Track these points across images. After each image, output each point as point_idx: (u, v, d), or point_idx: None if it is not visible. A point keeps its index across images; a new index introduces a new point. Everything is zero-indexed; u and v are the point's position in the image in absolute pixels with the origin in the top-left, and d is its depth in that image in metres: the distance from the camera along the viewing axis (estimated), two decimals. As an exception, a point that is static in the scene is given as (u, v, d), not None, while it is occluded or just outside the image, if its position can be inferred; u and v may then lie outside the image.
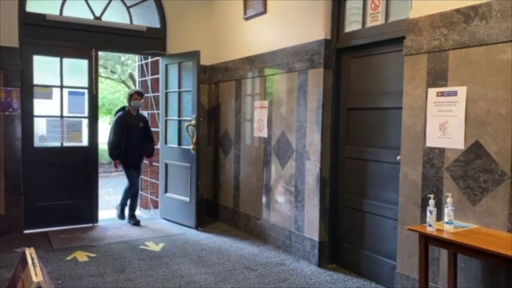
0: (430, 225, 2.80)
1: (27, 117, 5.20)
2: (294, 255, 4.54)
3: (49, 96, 5.41)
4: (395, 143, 3.58)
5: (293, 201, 4.59)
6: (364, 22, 3.99)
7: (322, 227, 4.28)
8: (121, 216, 5.91)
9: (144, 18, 5.98)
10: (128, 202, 5.91)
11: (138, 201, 6.29)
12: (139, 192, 7.27)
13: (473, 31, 2.91)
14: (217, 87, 6.12)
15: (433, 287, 3.13)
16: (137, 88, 6.01)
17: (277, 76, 4.85)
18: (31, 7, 5.25)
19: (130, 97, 5.67)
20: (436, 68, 3.15)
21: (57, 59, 5.40)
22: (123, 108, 5.82)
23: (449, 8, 3.05)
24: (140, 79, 7.34)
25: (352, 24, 4.13)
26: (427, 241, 2.83)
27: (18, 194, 5.12)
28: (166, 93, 6.06)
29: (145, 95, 7.13)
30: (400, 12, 3.64)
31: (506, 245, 2.46)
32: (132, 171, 5.72)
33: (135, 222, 5.74)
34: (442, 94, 3.11)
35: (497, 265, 2.74)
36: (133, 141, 5.62)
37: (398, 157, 3.51)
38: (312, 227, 4.34)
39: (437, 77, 3.14)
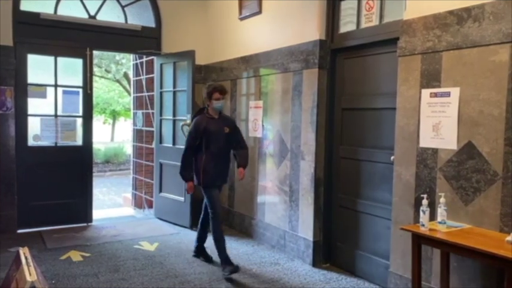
0: (423, 225, 2.83)
1: (21, 116, 5.18)
2: (288, 255, 4.55)
3: (43, 95, 5.39)
4: (389, 143, 3.60)
5: (287, 201, 4.61)
6: (358, 23, 4.01)
7: (317, 226, 4.30)
8: (197, 253, 4.48)
9: (139, 18, 5.97)
10: (210, 241, 4.28)
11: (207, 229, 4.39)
12: (134, 191, 7.25)
13: (466, 33, 2.93)
14: (212, 87, 6.11)
15: (425, 286, 3.15)
16: (215, 83, 4.51)
17: (272, 76, 4.86)
18: (25, 6, 5.23)
19: (210, 96, 4.14)
20: (430, 69, 3.17)
21: (52, 58, 5.39)
22: (201, 110, 4.33)
23: (443, 10, 3.07)
24: (135, 78, 7.33)
25: (346, 25, 4.15)
26: (420, 241, 2.85)
27: (11, 193, 5.10)
28: (161, 93, 6.06)
29: (140, 94, 7.14)
30: (394, 13, 3.67)
31: (498, 244, 2.48)
32: (216, 193, 4.19)
33: (232, 269, 3.97)
34: (435, 95, 3.13)
35: (489, 264, 2.77)
36: (217, 153, 4.16)
37: (392, 157, 3.54)
38: (306, 227, 4.36)
39: (431, 78, 3.17)
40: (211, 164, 4.12)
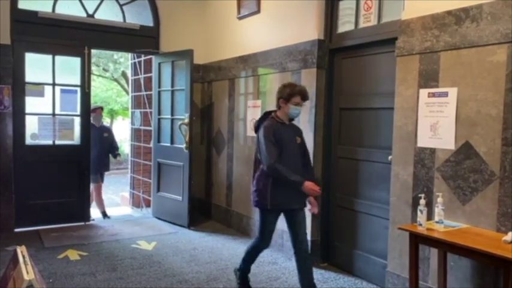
0: (420, 225, 2.84)
1: (19, 114, 5.17)
2: (286, 254, 4.56)
3: (41, 93, 5.38)
4: (387, 143, 3.61)
5: (285, 201, 4.60)
6: (357, 23, 4.01)
7: (314, 226, 4.30)
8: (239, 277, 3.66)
9: (138, 16, 5.96)
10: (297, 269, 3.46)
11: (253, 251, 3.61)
12: (132, 191, 7.23)
13: (464, 33, 2.94)
14: (211, 86, 6.12)
15: (423, 286, 3.16)
16: (298, 84, 3.57)
17: (270, 76, 4.86)
18: (23, 4, 5.22)
19: (289, 97, 3.32)
20: (428, 69, 3.18)
21: (50, 57, 5.37)
22: (267, 114, 3.49)
23: (441, 10, 3.08)
24: (133, 77, 7.32)
25: (345, 24, 4.15)
26: (417, 240, 2.86)
27: (9, 192, 5.09)
28: (159, 92, 6.05)
29: (138, 93, 7.13)
30: (392, 14, 3.67)
31: (495, 244, 2.49)
32: (275, 221, 3.43)
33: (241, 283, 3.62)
34: (433, 95, 3.14)
35: (486, 264, 2.78)
36: (290, 166, 3.25)
37: (389, 157, 3.54)
38: (304, 226, 4.36)
39: (429, 78, 3.17)
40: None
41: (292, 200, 3.30)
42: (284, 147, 3.30)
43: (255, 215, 5.12)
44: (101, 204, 6.32)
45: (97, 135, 6.08)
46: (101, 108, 6.41)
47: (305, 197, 3.39)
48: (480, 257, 2.52)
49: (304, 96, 3.35)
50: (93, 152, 5.79)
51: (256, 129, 3.45)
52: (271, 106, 4.83)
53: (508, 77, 2.71)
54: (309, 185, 3.19)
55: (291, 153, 3.33)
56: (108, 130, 6.61)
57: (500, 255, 2.34)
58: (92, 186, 6.02)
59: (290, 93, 3.31)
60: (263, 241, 3.44)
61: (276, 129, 3.31)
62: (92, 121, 5.86)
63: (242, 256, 3.63)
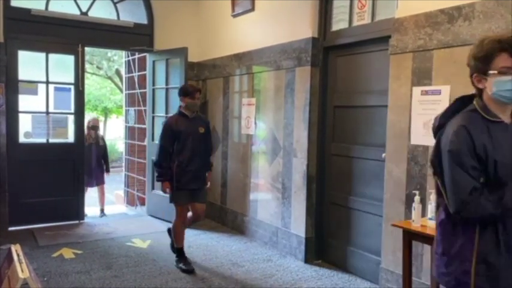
0: (413, 221, 2.86)
1: (12, 113, 5.14)
2: (280, 252, 4.58)
3: (34, 92, 5.35)
4: (381, 140, 3.63)
5: (280, 198, 4.63)
6: (350, 21, 4.03)
7: (309, 223, 4.32)
8: None
9: (132, 14, 5.94)
10: None
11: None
12: (126, 189, 7.22)
13: (457, 31, 2.96)
14: (205, 84, 6.11)
15: (416, 282, 3.19)
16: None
17: (264, 74, 4.87)
18: (16, 2, 5.19)
19: (486, 61, 1.78)
20: (421, 67, 3.20)
21: (43, 55, 5.34)
22: (465, 101, 1.91)
23: (434, 8, 3.10)
24: (127, 75, 7.30)
25: (339, 22, 4.17)
26: (410, 237, 2.88)
27: (3, 190, 5.06)
28: (153, 90, 6.04)
29: (132, 91, 7.11)
30: (386, 12, 3.69)
31: (486, 240, 2.52)
32: None
33: None
34: (426, 93, 3.16)
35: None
36: None
37: (383, 154, 3.56)
38: (298, 224, 4.38)
39: (422, 76, 3.20)
40: None
41: None
42: (499, 169, 1.66)
43: (250, 212, 5.13)
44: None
45: (187, 130, 4.06)
46: (199, 91, 4.20)
47: None
48: (472, 253, 2.54)
49: None
50: (178, 157, 4.06)
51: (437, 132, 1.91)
52: (267, 104, 4.84)
53: (500, 75, 2.74)
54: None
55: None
56: (207, 124, 4.34)
57: (492, 251, 2.36)
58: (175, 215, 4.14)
59: (488, 55, 1.74)
60: None
61: (481, 138, 1.67)
62: (181, 109, 4.13)
63: None
